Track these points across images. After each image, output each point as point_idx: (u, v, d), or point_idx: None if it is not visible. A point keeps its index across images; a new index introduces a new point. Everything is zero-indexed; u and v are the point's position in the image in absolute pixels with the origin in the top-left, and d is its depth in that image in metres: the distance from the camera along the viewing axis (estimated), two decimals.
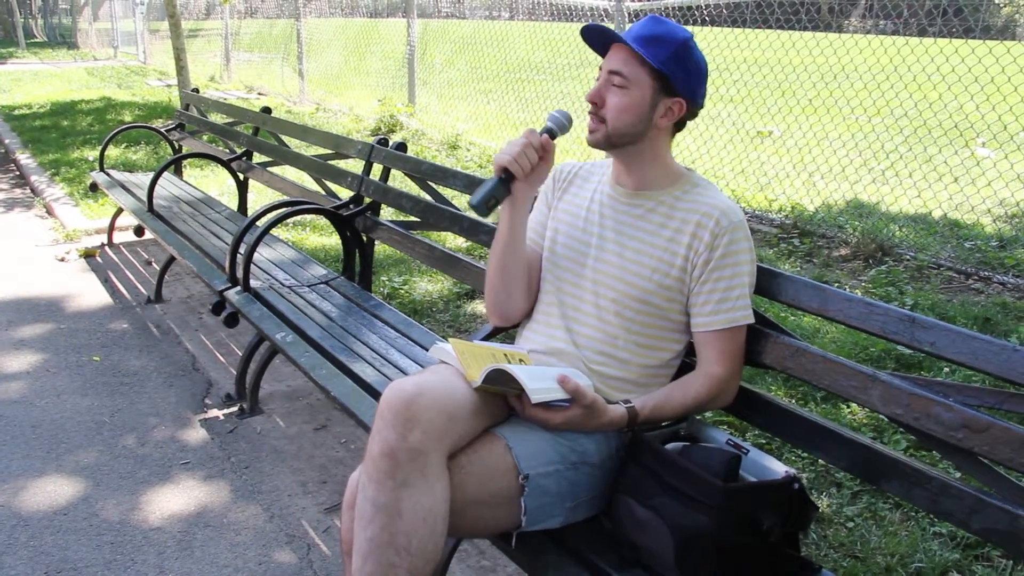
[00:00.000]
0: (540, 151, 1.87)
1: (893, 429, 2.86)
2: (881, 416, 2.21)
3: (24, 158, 8.01)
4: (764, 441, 2.82)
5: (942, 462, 2.58)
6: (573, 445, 1.71)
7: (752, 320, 1.82)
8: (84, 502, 2.69)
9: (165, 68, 16.00)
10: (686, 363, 1.94)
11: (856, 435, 1.70)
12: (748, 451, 1.72)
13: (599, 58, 1.90)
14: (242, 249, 3.28)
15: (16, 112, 10.88)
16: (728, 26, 7.01)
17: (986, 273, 4.56)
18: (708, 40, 6.64)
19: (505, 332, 2.23)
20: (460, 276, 2.90)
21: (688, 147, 6.74)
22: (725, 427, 2.81)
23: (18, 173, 7.81)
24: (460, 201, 3.31)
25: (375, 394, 2.37)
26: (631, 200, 1.90)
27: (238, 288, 3.22)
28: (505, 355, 1.77)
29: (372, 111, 9.90)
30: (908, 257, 4.85)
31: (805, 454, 2.75)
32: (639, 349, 1.85)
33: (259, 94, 12.88)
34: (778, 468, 1.67)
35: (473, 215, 2.67)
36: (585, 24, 1.85)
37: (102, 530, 2.55)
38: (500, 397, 1.73)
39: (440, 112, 9.72)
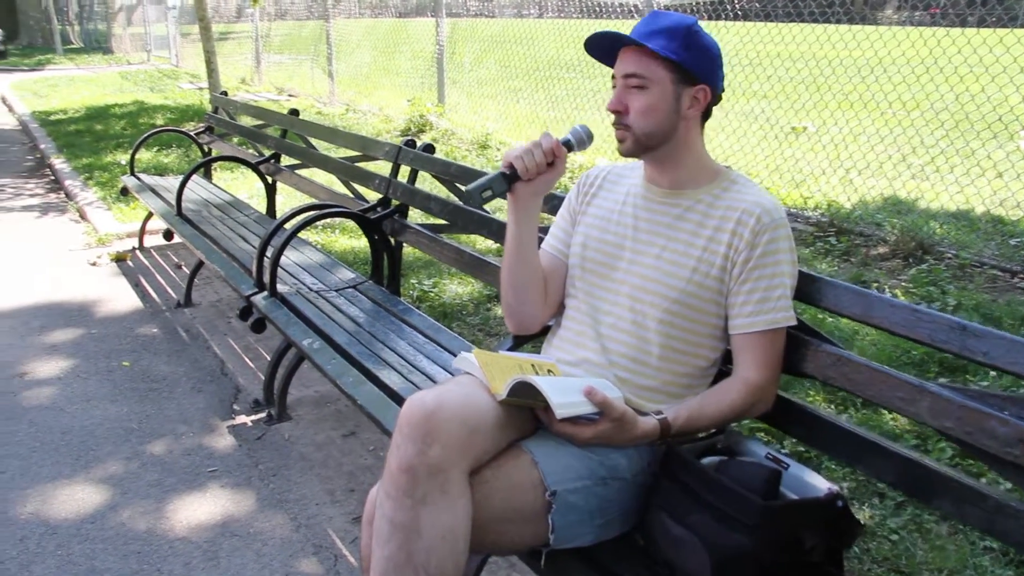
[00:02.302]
0: (550, 155, 1.79)
1: (938, 436, 2.76)
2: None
3: (59, 163, 8.10)
4: (802, 449, 2.73)
5: (991, 471, 2.47)
6: (603, 460, 1.64)
7: (794, 322, 1.74)
8: (112, 511, 2.67)
9: (197, 71, 16.13)
10: (723, 372, 1.86)
11: (902, 448, 1.61)
12: (788, 466, 1.65)
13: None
14: (269, 253, 3.25)
15: (52, 117, 11.02)
16: (760, 20, 6.88)
17: None
18: (740, 35, 6.53)
19: (530, 341, 2.17)
20: (489, 280, 2.84)
21: (721, 144, 6.63)
22: (761, 434, 2.72)
23: (53, 178, 7.90)
24: (488, 203, 3.25)
25: (402, 402, 2.32)
26: (667, 199, 1.83)
27: (265, 293, 3.20)
28: (532, 365, 1.70)
29: (402, 111, 9.88)
30: (950, 255, 4.71)
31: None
32: (675, 355, 1.78)
33: (289, 96, 12.94)
34: (821, 484, 1.59)
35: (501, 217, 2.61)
36: (589, 36, 1.79)
37: (129, 539, 2.53)
38: (527, 409, 1.67)
39: (470, 111, 9.68)
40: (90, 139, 9.24)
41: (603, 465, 1.64)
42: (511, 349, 2.12)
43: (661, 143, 1.78)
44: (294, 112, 4.72)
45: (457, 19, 10.74)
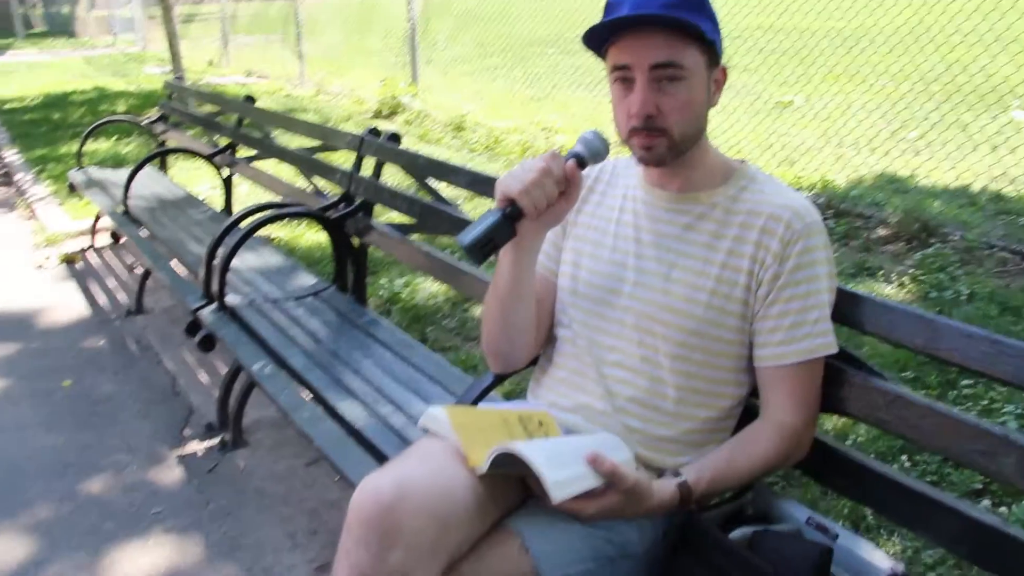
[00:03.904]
0: (562, 183, 1.38)
1: None
2: None
3: (10, 155, 7.64)
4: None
5: None
6: (610, 535, 1.32)
7: (835, 349, 1.41)
8: (37, 568, 2.32)
9: (164, 55, 15.54)
10: (748, 409, 1.53)
11: (980, 512, 1.30)
12: (837, 535, 1.33)
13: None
14: (219, 257, 2.88)
15: (7, 106, 10.49)
16: None
17: None
18: (720, 5, 6.18)
19: (511, 379, 1.84)
20: (464, 289, 2.51)
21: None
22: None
23: (4, 171, 7.45)
24: (461, 201, 2.91)
25: (364, 443, 1.99)
26: (674, 206, 1.49)
27: (214, 306, 2.84)
28: (520, 419, 1.37)
29: (374, 92, 9.47)
30: (955, 237, 4.42)
31: None
32: (695, 397, 1.45)
33: (259, 78, 12.46)
34: (880, 562, 1.28)
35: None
36: (604, 22, 1.36)
37: None
38: (515, 477, 1.34)
39: (445, 91, 9.29)
40: (46, 129, 8.77)
41: (610, 542, 1.31)
42: (491, 387, 1.79)
43: (693, 144, 1.44)
44: (249, 99, 4.31)
45: None
